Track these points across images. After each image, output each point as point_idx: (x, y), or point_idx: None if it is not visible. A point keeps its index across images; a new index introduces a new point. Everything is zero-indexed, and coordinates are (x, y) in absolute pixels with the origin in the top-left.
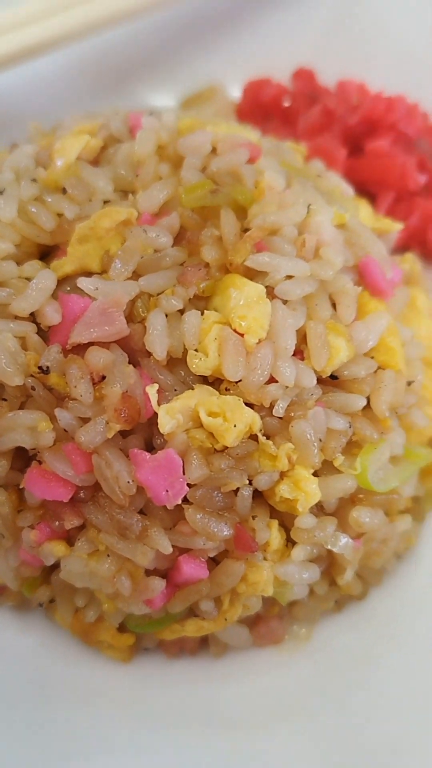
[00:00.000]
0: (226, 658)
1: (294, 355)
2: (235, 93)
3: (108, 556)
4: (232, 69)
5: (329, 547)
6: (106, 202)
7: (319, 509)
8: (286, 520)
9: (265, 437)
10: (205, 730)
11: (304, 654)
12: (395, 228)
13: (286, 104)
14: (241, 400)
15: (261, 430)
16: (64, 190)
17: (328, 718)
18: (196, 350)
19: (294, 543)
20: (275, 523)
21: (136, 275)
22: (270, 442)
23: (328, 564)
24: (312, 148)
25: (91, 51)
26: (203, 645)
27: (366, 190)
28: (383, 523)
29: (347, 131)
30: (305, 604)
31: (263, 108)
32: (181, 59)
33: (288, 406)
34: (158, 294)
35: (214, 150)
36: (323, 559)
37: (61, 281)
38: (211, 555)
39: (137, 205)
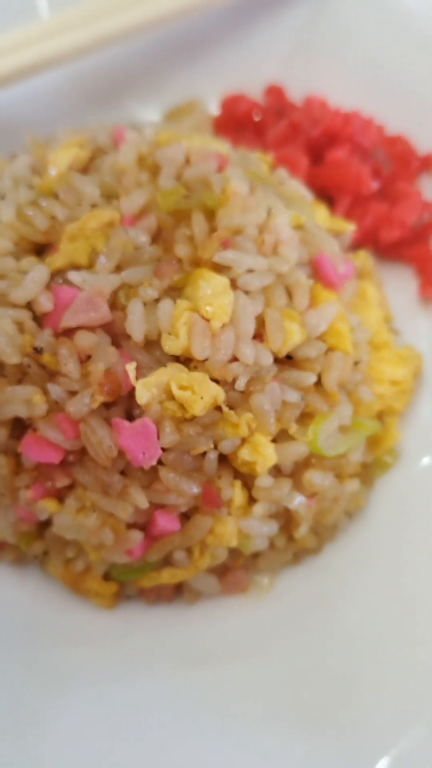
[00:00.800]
0: (198, 604)
1: (254, 338)
2: (214, 107)
3: (93, 511)
4: (211, 85)
5: (285, 504)
6: (93, 205)
7: (276, 471)
8: (248, 481)
9: (228, 408)
10: (179, 665)
11: (266, 601)
12: (349, 228)
13: (258, 118)
14: (207, 376)
15: (224, 402)
16: (56, 196)
17: (286, 656)
18: (169, 333)
19: (255, 500)
20: (238, 482)
21: (118, 269)
22: (232, 413)
23: (286, 520)
24: (278, 158)
25: (84, 69)
26: (178, 593)
27: (326, 195)
28: (333, 485)
29: (310, 142)
30: (267, 555)
31: (237, 121)
32: (165, 76)
33: (248, 381)
34: (137, 285)
35: (187, 160)
36: (281, 516)
37: (54, 274)
38: (183, 510)
39: (120, 209)
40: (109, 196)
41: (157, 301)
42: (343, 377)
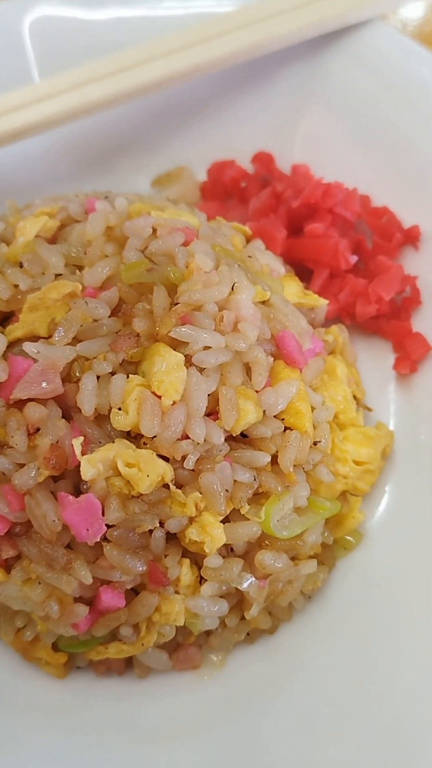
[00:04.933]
0: (149, 678)
1: (209, 415)
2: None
3: (39, 583)
4: (204, 152)
5: (235, 585)
6: (58, 275)
7: (228, 551)
8: (198, 559)
9: (176, 486)
10: (125, 739)
11: (217, 678)
12: (321, 303)
13: (244, 185)
14: (155, 453)
15: (172, 480)
16: (21, 264)
17: (236, 735)
18: (119, 409)
19: (205, 579)
20: (187, 561)
21: (76, 341)
22: (179, 491)
23: (239, 599)
24: (256, 229)
25: (76, 135)
26: (129, 666)
27: (305, 267)
28: (287, 566)
29: (291, 213)
30: (219, 634)
31: (224, 188)
32: (158, 143)
33: (198, 459)
34: (93, 358)
35: (155, 232)
36: (233, 595)
37: (12, 344)
38: (129, 587)
39: (83, 280)
40: (76, 266)
41: (112, 374)
42: (300, 457)
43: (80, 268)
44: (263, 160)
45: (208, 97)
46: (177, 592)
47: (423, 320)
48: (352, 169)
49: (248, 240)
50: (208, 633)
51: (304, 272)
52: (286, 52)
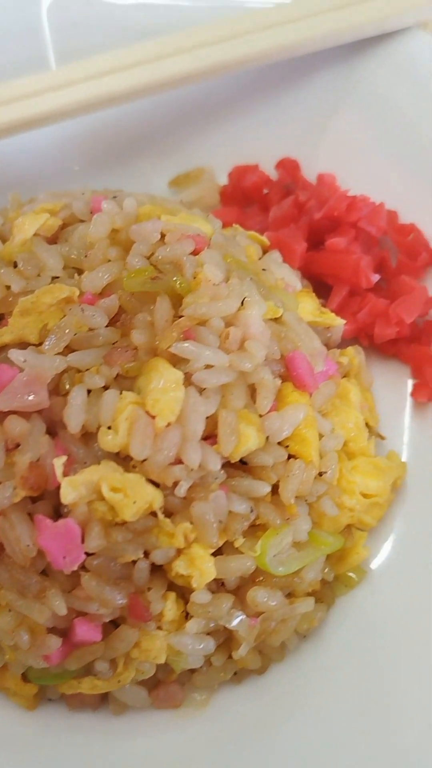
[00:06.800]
0: (126, 715)
1: (207, 439)
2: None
3: (9, 611)
4: (228, 154)
5: (223, 623)
6: (55, 278)
7: (218, 585)
8: (186, 593)
9: (164, 515)
10: None
11: (200, 719)
12: (338, 322)
13: (266, 192)
14: (144, 478)
15: (161, 508)
16: (15, 264)
17: None
18: (108, 427)
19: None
20: (173, 595)
21: (69, 350)
22: (168, 520)
23: (227, 637)
24: (274, 239)
25: (96, 128)
26: (105, 700)
27: (324, 283)
28: (282, 604)
29: (313, 225)
30: (203, 672)
31: (245, 193)
32: (180, 142)
33: (191, 487)
34: (85, 370)
35: (163, 238)
36: (221, 633)
37: (0, 350)
38: (107, 620)
39: (81, 285)
40: (75, 269)
41: (105, 389)
42: (303, 489)
43: (80, 271)
44: (288, 166)
45: (234, 97)
46: (159, 628)
47: None
48: (380, 180)
49: (265, 251)
50: (191, 671)
51: (322, 288)
52: (318, 55)
